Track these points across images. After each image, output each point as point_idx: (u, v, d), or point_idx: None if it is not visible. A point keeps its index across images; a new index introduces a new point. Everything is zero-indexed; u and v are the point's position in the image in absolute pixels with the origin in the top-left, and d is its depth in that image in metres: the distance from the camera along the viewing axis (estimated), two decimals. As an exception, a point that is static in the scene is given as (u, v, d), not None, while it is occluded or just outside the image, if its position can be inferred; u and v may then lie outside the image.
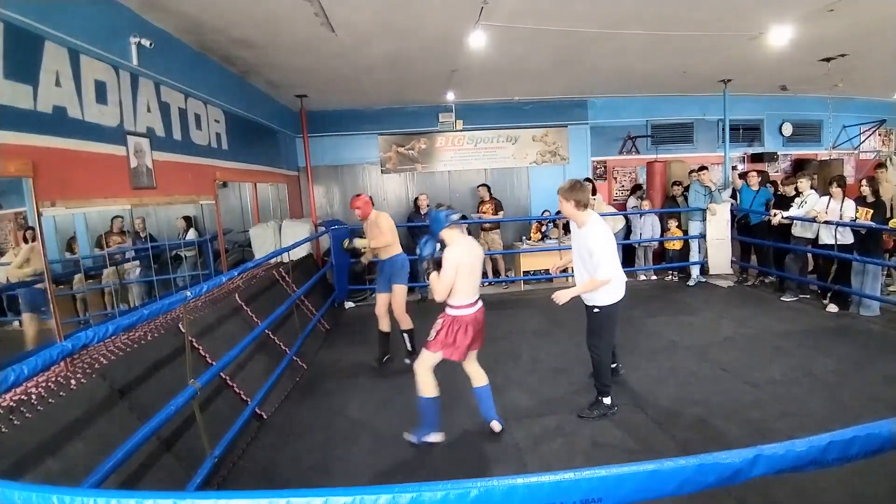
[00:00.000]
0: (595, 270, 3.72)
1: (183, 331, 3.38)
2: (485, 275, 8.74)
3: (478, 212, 8.67)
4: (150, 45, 4.17)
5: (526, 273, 8.48)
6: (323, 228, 7.77)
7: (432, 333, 3.54)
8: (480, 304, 3.65)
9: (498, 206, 8.64)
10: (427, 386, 3.51)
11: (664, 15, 5.15)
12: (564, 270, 8.38)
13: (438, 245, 3.60)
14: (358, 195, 5.34)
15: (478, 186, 8.93)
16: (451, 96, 8.61)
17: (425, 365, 3.52)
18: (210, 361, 3.60)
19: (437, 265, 3.48)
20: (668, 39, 5.89)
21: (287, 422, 4.01)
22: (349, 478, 3.22)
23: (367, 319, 6.85)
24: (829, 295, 6.47)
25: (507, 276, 8.82)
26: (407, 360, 4.95)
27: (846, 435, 1.05)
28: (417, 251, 3.61)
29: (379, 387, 4.64)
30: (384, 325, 5.22)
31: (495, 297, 7.98)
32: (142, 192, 4.16)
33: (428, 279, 3.55)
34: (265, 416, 4.02)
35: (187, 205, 5.14)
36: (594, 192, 8.95)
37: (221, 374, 3.72)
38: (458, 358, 3.51)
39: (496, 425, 3.68)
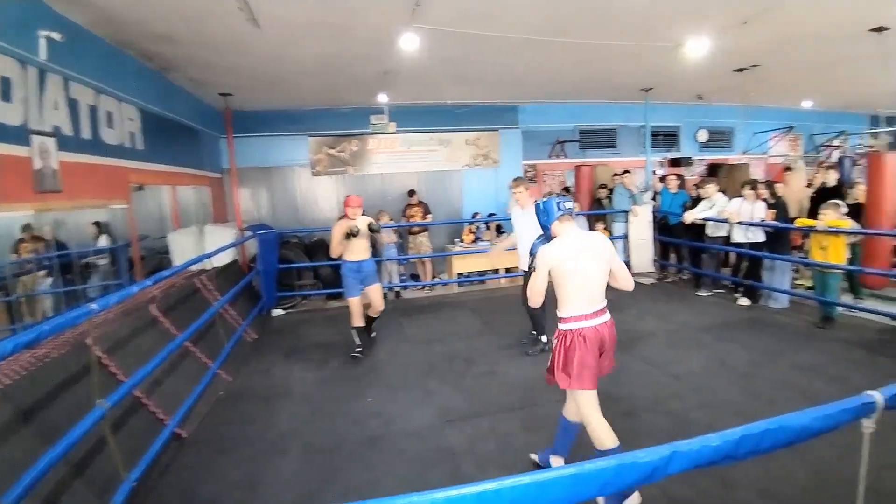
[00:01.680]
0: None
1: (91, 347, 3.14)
2: (416, 277, 8.71)
3: (404, 215, 8.64)
4: (61, 38, 3.89)
5: (459, 275, 8.52)
6: (249, 233, 7.45)
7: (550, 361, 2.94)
8: (608, 316, 2.91)
9: (426, 210, 8.65)
10: (602, 433, 2.76)
11: (590, 25, 5.33)
12: (503, 270, 8.55)
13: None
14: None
15: (408, 192, 8.90)
16: (383, 98, 8.53)
17: (583, 403, 2.82)
18: (122, 378, 3.35)
19: None
20: (593, 49, 6.09)
21: (211, 439, 3.79)
22: (278, 494, 3.09)
23: (298, 327, 6.68)
24: (741, 289, 6.94)
25: (440, 278, 8.82)
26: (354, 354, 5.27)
27: (757, 428, 1.10)
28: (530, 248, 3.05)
29: (311, 396, 4.49)
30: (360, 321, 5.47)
31: (428, 300, 7.97)
32: (46, 195, 3.84)
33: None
34: (185, 435, 3.79)
35: (99, 209, 4.80)
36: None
37: (135, 391, 3.47)
38: (591, 385, 2.77)
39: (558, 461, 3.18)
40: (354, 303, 5.34)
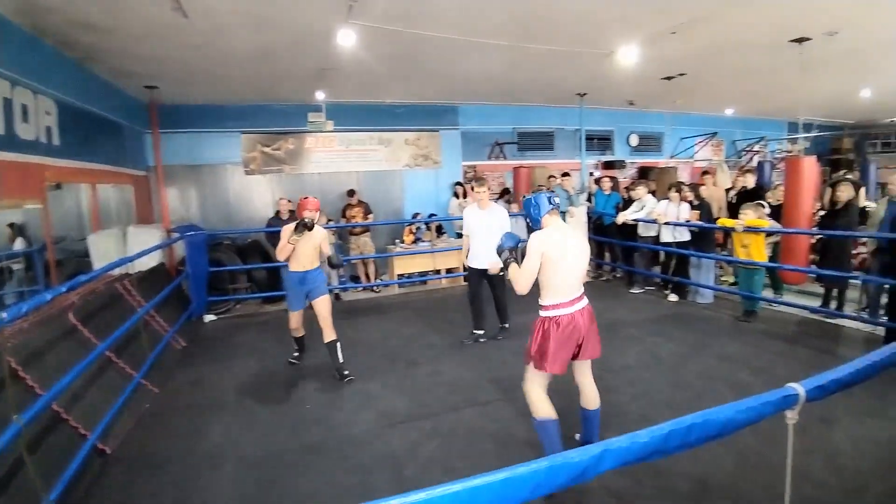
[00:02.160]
0: None
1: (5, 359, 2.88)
2: (356, 279, 8.56)
3: (344, 216, 8.46)
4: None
5: (400, 276, 8.44)
6: (177, 234, 7.07)
7: (528, 343, 3.08)
8: (585, 302, 3.08)
9: (367, 210, 8.52)
10: (536, 406, 3.01)
11: (527, 29, 5.40)
12: (444, 270, 8.55)
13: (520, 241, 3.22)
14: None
15: (347, 192, 8.72)
16: (320, 95, 8.30)
17: (531, 383, 3.07)
18: (40, 392, 3.09)
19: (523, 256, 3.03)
20: (531, 53, 6.19)
21: (137, 455, 3.55)
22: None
23: (230, 333, 6.40)
24: (670, 286, 7.27)
25: (381, 279, 8.70)
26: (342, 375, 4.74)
27: (684, 423, 1.11)
28: (500, 243, 3.24)
29: (245, 405, 4.29)
30: (300, 332, 5.08)
31: (369, 302, 7.84)
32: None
33: (506, 271, 3.20)
34: (109, 451, 3.53)
35: (12, 210, 4.42)
36: (465, 195, 9.21)
37: (54, 405, 3.22)
38: (560, 370, 2.96)
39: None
40: (295, 318, 4.87)
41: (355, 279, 8.64)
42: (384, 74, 7.16)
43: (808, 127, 10.20)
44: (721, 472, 3.04)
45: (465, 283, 5.90)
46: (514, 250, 3.19)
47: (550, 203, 3.11)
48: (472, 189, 5.46)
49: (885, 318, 5.22)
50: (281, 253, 4.60)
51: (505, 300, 5.67)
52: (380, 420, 3.87)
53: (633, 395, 4.17)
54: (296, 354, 5.15)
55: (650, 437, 1.05)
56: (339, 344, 4.73)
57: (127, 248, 6.34)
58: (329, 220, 8.00)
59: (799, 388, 1.32)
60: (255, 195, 8.99)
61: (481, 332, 5.64)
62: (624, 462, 1.04)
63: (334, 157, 9.32)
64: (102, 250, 6.07)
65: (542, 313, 3.01)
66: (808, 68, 6.88)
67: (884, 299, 5.48)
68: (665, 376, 4.54)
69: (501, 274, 5.33)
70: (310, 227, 4.53)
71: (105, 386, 3.97)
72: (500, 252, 3.26)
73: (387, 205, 9.59)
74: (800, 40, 6.08)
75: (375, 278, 8.59)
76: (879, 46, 6.42)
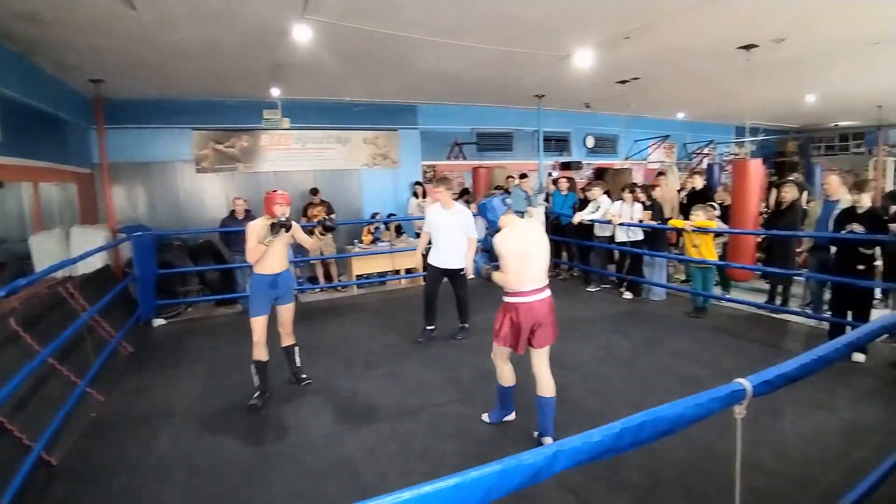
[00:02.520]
0: (473, 234, 5.32)
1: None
2: (313, 280, 8.42)
3: (305, 215, 8.28)
4: None
5: (359, 277, 8.33)
6: (123, 235, 6.76)
7: (495, 325, 3.49)
8: (545, 294, 3.40)
9: (329, 209, 8.38)
10: (501, 374, 3.61)
11: (484, 29, 5.40)
12: (403, 270, 8.49)
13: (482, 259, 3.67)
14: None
15: (310, 190, 8.53)
16: (276, 92, 8.06)
17: (496, 355, 3.57)
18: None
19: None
20: (490, 53, 6.19)
21: (84, 466, 3.38)
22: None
23: (181, 337, 6.18)
24: (625, 284, 7.45)
25: (340, 280, 8.58)
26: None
27: (636, 420, 1.12)
28: (477, 266, 3.64)
29: (196, 412, 4.14)
30: (264, 354, 4.30)
31: (327, 302, 7.71)
32: None
33: (492, 280, 3.46)
34: (55, 462, 3.35)
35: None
36: (424, 194, 9.18)
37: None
38: (520, 350, 3.40)
39: (547, 440, 3.43)
40: (260, 324, 4.20)
41: (312, 280, 8.50)
42: (342, 72, 7.05)
43: (754, 131, 10.62)
44: (673, 464, 3.11)
45: (403, 287, 5.90)
46: (489, 265, 3.55)
47: (504, 205, 3.45)
48: (434, 188, 5.43)
49: (828, 314, 5.46)
50: (251, 255, 4.10)
51: (468, 299, 5.71)
52: (336, 424, 3.80)
53: (590, 390, 4.25)
54: (257, 395, 4.20)
55: (603, 436, 1.05)
56: (297, 348, 4.59)
57: (70, 249, 6.05)
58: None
59: (746, 383, 1.35)
60: (207, 194, 8.68)
61: (433, 327, 5.68)
62: (577, 462, 1.04)
63: (290, 156, 9.10)
64: (45, 252, 5.79)
65: (505, 299, 3.39)
66: (756, 74, 7.16)
67: (827, 295, 5.76)
68: (620, 372, 4.65)
69: (462, 273, 5.42)
70: (287, 227, 4.16)
71: (49, 395, 3.76)
72: (480, 272, 3.60)
73: (345, 204, 9.41)
74: (748, 47, 6.29)
75: (336, 279, 8.47)
76: (824, 54, 6.71)
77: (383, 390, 4.38)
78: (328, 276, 8.48)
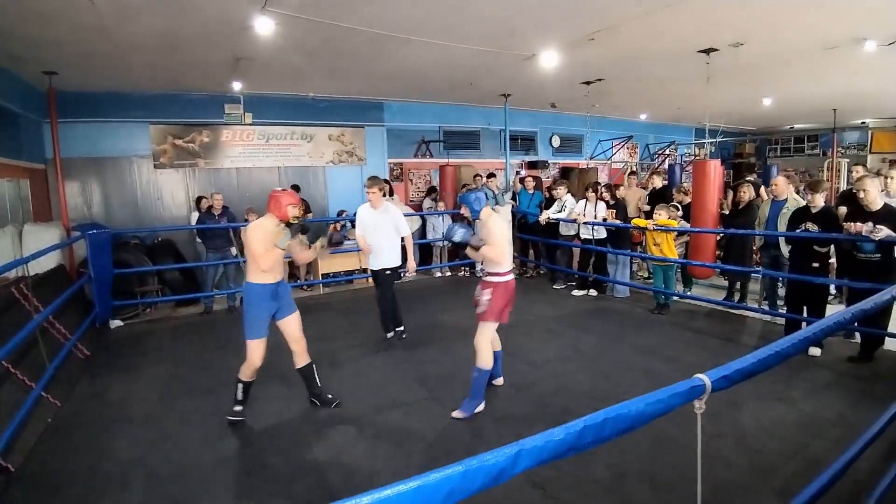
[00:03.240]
0: (405, 231, 5.38)
1: None
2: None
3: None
4: None
5: (324, 275, 8.22)
6: (78, 233, 6.50)
7: (483, 306, 3.78)
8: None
9: (307, 208, 8.24)
10: (487, 357, 3.79)
11: (450, 27, 5.38)
12: (364, 271, 8.40)
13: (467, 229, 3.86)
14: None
15: (292, 186, 8.32)
16: (238, 86, 7.87)
17: (487, 337, 3.81)
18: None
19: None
20: (456, 52, 6.19)
21: (41, 473, 3.23)
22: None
23: (139, 339, 5.98)
24: (590, 282, 7.55)
25: (307, 279, 8.44)
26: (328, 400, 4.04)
27: (598, 418, 1.12)
28: (448, 234, 3.84)
29: (156, 417, 4.00)
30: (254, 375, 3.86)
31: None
32: None
33: (478, 252, 3.79)
34: (12, 469, 3.19)
35: None
36: (391, 192, 9.12)
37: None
38: (505, 320, 3.86)
39: (499, 381, 4.26)
40: (261, 349, 3.72)
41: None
42: (306, 67, 6.94)
43: (713, 133, 10.95)
44: (638, 457, 3.17)
45: (370, 286, 5.80)
46: (478, 237, 3.81)
47: (487, 199, 3.91)
48: (367, 189, 5.30)
49: (783, 309, 5.64)
50: (265, 261, 3.56)
51: (397, 302, 5.59)
52: (301, 426, 3.73)
53: (556, 387, 4.29)
54: (239, 409, 3.82)
55: (565, 434, 1.05)
56: (314, 366, 4.06)
57: (23, 248, 5.80)
58: (257, 217, 7.67)
59: (705, 378, 1.37)
60: (165, 191, 8.42)
61: (401, 328, 5.61)
62: (539, 461, 1.03)
63: (253, 152, 8.91)
64: (-5, 251, 5.51)
65: (496, 279, 3.79)
66: (715, 77, 7.35)
67: (781, 291, 5.96)
68: (585, 368, 4.71)
69: (388, 273, 5.41)
70: (306, 230, 3.78)
71: (3, 399, 3.60)
72: (466, 240, 3.80)
73: (310, 202, 9.21)
74: (707, 51, 6.46)
75: (302, 278, 8.35)
76: (780, 59, 6.94)
77: (350, 391, 4.32)
78: (293, 276, 8.33)
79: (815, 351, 4.82)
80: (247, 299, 3.73)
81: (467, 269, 9.11)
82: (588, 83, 8.45)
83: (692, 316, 6.33)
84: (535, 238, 8.52)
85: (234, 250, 7.24)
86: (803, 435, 3.44)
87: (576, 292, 7.52)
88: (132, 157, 8.15)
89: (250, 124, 8.74)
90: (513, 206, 8.77)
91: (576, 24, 5.38)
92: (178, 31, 5.27)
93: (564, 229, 7.77)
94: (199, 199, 7.86)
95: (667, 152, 14.10)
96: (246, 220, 7.50)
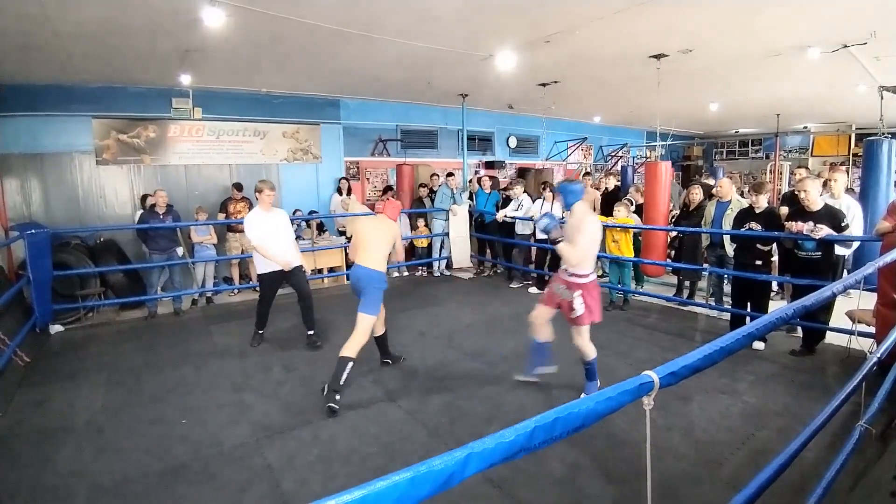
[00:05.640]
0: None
1: None
2: (228, 280, 8.03)
3: (225, 212, 7.84)
4: None
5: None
6: (15, 234, 6.14)
7: (579, 309, 3.80)
8: None
9: (251, 206, 8.01)
10: (591, 349, 3.93)
11: (408, 25, 5.34)
12: (326, 269, 8.28)
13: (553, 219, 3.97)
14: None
15: (234, 185, 8.08)
16: (186, 80, 7.57)
17: (586, 338, 3.91)
18: None
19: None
20: (413, 50, 6.15)
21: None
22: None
23: (82, 345, 5.69)
24: (546, 280, 7.58)
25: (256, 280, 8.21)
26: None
27: (549, 418, 1.11)
28: (539, 225, 3.97)
29: (100, 426, 3.79)
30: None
31: (244, 304, 7.36)
32: None
33: (555, 244, 3.89)
34: None
35: None
36: (349, 191, 9.01)
37: None
38: (599, 319, 3.93)
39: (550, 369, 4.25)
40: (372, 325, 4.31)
41: (228, 281, 8.09)
42: (259, 61, 6.76)
43: (664, 136, 11.28)
44: (593, 452, 3.22)
45: (348, 282, 5.64)
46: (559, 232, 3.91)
47: (580, 193, 3.89)
48: (258, 195, 5.25)
49: (729, 305, 5.85)
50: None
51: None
52: (254, 433, 3.60)
53: (512, 385, 4.32)
54: (339, 397, 3.92)
55: (516, 436, 1.04)
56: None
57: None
58: (208, 217, 7.42)
59: (654, 375, 1.39)
60: (108, 188, 7.99)
61: (312, 331, 5.50)
62: (490, 464, 1.01)
63: (203, 148, 8.57)
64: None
65: (586, 280, 3.80)
66: (665, 82, 7.56)
67: (727, 288, 6.18)
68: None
69: (304, 271, 5.43)
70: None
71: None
72: (548, 231, 3.98)
73: (265, 201, 9.02)
74: (658, 56, 6.64)
75: (254, 279, 8.12)
76: (726, 65, 7.19)
77: (303, 394, 4.23)
78: (244, 277, 8.11)
79: (759, 345, 5.02)
80: (379, 285, 4.27)
81: (424, 269, 9.08)
82: (544, 85, 8.56)
83: (644, 313, 6.50)
84: (491, 237, 8.59)
85: (180, 251, 6.96)
86: (749, 426, 3.57)
87: (532, 290, 7.60)
88: (73, 153, 7.72)
89: (200, 119, 8.43)
90: (470, 205, 8.82)
91: (532, 25, 5.43)
92: (124, 21, 5.02)
93: (521, 228, 7.84)
94: (144, 198, 7.54)
95: (619, 154, 14.45)
96: (196, 219, 7.25)
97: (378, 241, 4.36)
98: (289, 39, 5.77)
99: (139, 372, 4.78)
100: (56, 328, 6.20)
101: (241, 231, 7.76)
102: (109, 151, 7.89)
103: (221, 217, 7.77)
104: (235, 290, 7.82)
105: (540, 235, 7.40)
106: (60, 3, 4.48)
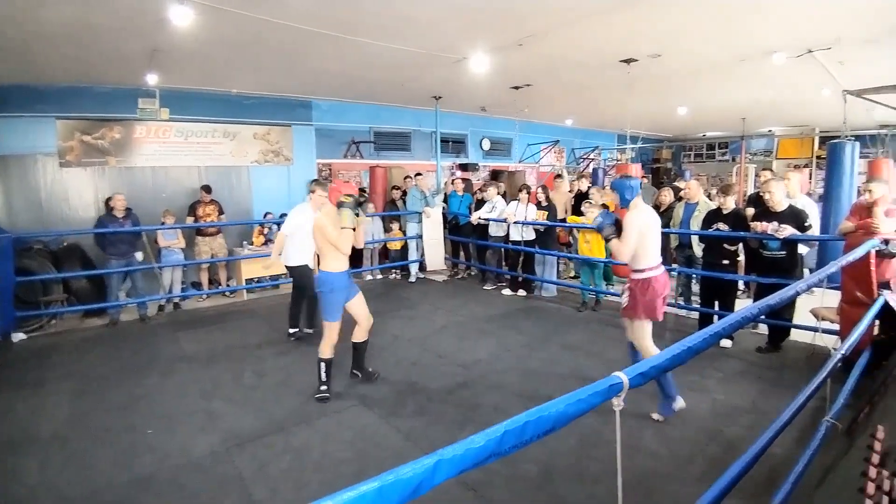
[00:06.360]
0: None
1: None
2: (197, 285, 7.85)
3: (194, 215, 7.67)
4: None
5: (249, 281, 7.90)
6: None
7: (623, 301, 3.80)
8: (664, 268, 3.78)
9: (220, 210, 7.87)
10: (652, 351, 3.59)
11: (381, 27, 5.31)
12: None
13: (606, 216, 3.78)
14: None
15: (202, 188, 7.91)
16: (153, 80, 7.36)
17: (640, 335, 3.69)
18: None
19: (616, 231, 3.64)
20: (387, 52, 6.11)
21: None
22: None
23: (45, 353, 5.50)
24: (519, 282, 7.70)
25: (228, 285, 8.07)
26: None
27: (519, 422, 1.11)
28: (599, 221, 3.75)
29: (65, 437, 3.67)
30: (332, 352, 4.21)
31: (214, 310, 7.23)
32: None
33: (608, 244, 3.75)
34: None
35: None
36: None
37: None
38: (660, 317, 3.71)
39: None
40: (336, 328, 4.12)
41: (196, 286, 7.90)
42: (229, 61, 6.64)
43: (634, 139, 11.48)
44: (566, 452, 3.24)
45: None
46: (611, 229, 3.71)
47: (637, 189, 3.76)
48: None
49: (698, 304, 5.97)
50: (345, 243, 3.94)
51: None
52: (224, 441, 3.53)
53: (487, 386, 4.34)
54: (325, 388, 4.15)
55: (486, 441, 1.03)
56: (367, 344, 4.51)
57: None
58: (175, 221, 7.24)
59: (623, 376, 1.40)
60: (72, 191, 7.72)
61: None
62: (460, 470, 1.01)
63: (170, 150, 8.35)
64: None
65: (640, 276, 3.68)
66: (635, 86, 7.69)
67: (695, 287, 6.30)
68: (515, 367, 4.79)
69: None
70: (359, 205, 4.06)
71: None
72: (602, 229, 3.77)
73: (233, 203, 8.78)
74: (628, 61, 6.74)
75: (224, 283, 7.98)
76: (694, 70, 7.34)
77: (276, 400, 4.17)
78: (213, 281, 7.95)
79: (726, 343, 5.13)
80: (327, 287, 4.02)
81: (398, 271, 9.05)
82: (517, 88, 8.61)
83: (616, 313, 6.54)
84: (465, 239, 8.61)
85: (139, 255, 6.77)
86: (719, 423, 3.65)
87: (506, 292, 7.64)
88: (37, 155, 7.43)
89: (167, 120, 8.21)
90: (443, 208, 8.82)
91: (505, 29, 5.45)
92: (90, 19, 4.86)
93: (494, 230, 7.88)
94: (108, 200, 7.32)
95: (591, 157, 14.64)
96: (162, 223, 7.07)
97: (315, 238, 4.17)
98: (260, 39, 5.68)
99: (105, 380, 4.65)
100: (19, 336, 5.99)
101: (211, 234, 7.66)
102: (73, 153, 7.64)
103: (190, 221, 7.59)
104: (204, 296, 7.66)
105: (514, 237, 7.44)
106: (26, 2, 4.34)
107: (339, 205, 3.95)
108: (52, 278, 6.46)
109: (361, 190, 4.16)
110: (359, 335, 4.38)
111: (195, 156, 8.59)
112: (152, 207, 7.61)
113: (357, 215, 3.97)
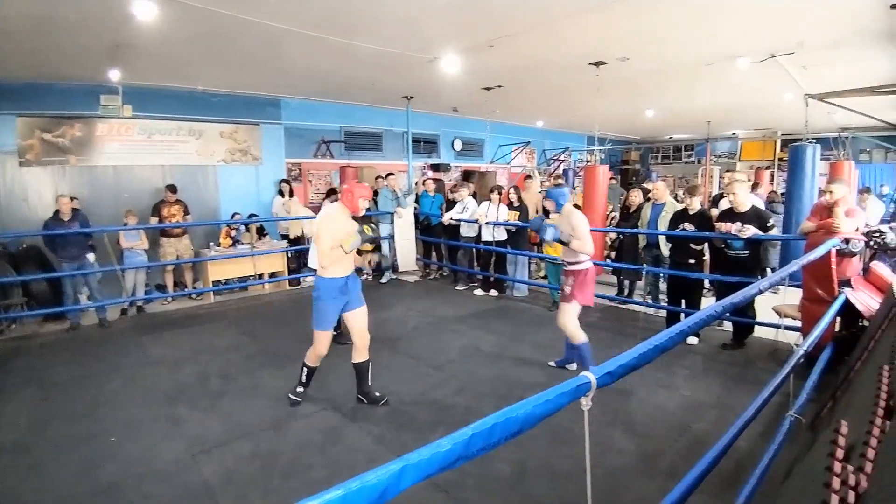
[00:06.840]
0: None
1: None
2: (162, 288, 7.65)
3: (158, 215, 7.46)
4: None
5: (216, 283, 7.73)
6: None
7: (566, 290, 4.26)
8: None
9: (186, 210, 7.67)
10: (579, 333, 4.24)
11: (352, 25, 5.27)
12: (267, 275, 8.05)
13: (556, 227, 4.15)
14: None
15: (167, 187, 7.68)
16: (115, 76, 7.15)
17: (573, 317, 4.24)
18: None
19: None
20: (357, 51, 6.07)
21: None
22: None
23: (4, 359, 5.28)
24: (491, 281, 7.73)
25: (195, 287, 7.88)
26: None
27: (486, 425, 1.11)
28: (542, 234, 4.15)
29: (24, 446, 3.53)
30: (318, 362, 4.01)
31: (180, 312, 7.05)
32: None
33: (568, 246, 4.16)
34: None
35: None
36: (291, 193, 8.79)
37: None
38: (591, 303, 4.44)
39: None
40: (326, 339, 3.86)
41: (161, 288, 7.69)
42: (196, 57, 6.48)
43: (602, 140, 11.65)
44: (538, 451, 3.26)
45: (291, 287, 5.48)
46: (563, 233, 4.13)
47: (568, 195, 4.36)
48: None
49: (665, 302, 6.09)
50: (327, 259, 3.66)
51: None
52: (190, 448, 3.44)
53: (458, 387, 4.33)
54: (301, 391, 4.04)
55: (452, 445, 1.02)
56: (370, 363, 4.06)
57: None
58: (138, 221, 7.02)
59: (591, 376, 1.41)
60: (32, 191, 7.41)
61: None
62: (426, 475, 0.99)
63: (133, 148, 8.10)
64: None
65: (583, 266, 4.24)
66: (604, 89, 7.79)
67: (663, 286, 6.42)
68: (487, 367, 4.79)
69: None
70: (374, 239, 3.97)
71: None
72: (558, 238, 4.12)
73: (199, 203, 8.56)
74: (597, 63, 6.83)
75: (190, 285, 7.79)
76: (662, 73, 7.48)
77: (244, 406, 4.07)
78: (178, 284, 7.75)
79: (692, 340, 5.25)
80: (317, 293, 3.80)
81: (370, 272, 8.98)
82: (488, 89, 8.64)
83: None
84: (437, 240, 8.60)
85: (91, 257, 6.56)
86: (686, 418, 3.72)
87: (478, 292, 7.66)
88: (-6, 154, 7.13)
89: (130, 118, 7.97)
90: (415, 208, 8.78)
91: (476, 30, 5.46)
92: (49, 13, 4.68)
93: (466, 231, 7.89)
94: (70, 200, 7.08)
95: (561, 158, 14.80)
96: (125, 224, 6.86)
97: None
98: (227, 36, 5.55)
99: (66, 386, 4.49)
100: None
101: (176, 235, 7.47)
102: (33, 152, 7.34)
103: (154, 221, 7.37)
104: (169, 299, 7.46)
105: (486, 237, 7.46)
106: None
107: (356, 219, 3.84)
108: (11, 281, 6.20)
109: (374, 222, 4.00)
110: (356, 355, 3.99)
111: (159, 154, 8.35)
112: (114, 207, 7.40)
113: (359, 245, 3.79)
